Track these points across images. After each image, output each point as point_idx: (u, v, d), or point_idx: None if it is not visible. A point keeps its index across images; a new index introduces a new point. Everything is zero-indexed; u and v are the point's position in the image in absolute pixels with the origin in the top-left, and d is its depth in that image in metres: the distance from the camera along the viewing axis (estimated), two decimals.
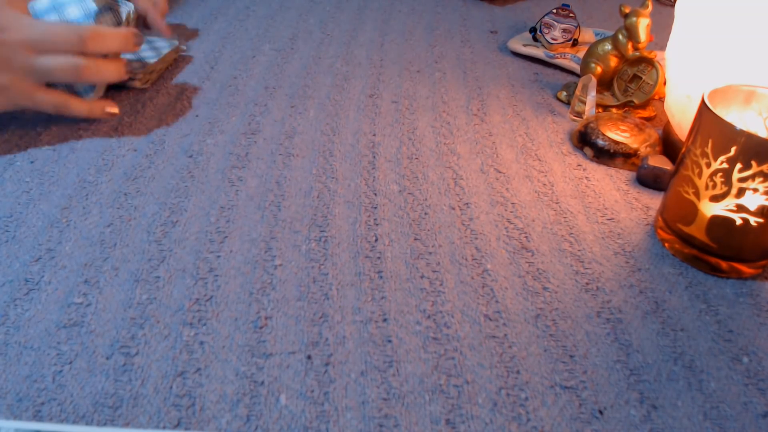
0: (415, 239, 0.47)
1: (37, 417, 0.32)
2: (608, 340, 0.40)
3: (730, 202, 0.42)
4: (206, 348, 0.37)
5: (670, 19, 0.96)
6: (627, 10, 0.64)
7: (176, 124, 0.59)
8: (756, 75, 0.48)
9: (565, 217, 0.50)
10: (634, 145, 0.57)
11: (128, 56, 0.62)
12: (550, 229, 0.49)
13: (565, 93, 0.69)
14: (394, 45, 0.80)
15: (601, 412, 0.35)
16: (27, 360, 0.35)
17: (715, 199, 0.43)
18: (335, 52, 0.76)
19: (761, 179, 0.41)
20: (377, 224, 0.48)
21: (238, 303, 0.40)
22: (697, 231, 0.45)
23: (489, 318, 0.41)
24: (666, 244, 0.48)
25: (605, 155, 0.58)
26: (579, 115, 0.65)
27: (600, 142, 0.58)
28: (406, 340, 0.38)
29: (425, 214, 0.49)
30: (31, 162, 0.52)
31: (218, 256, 0.44)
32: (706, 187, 0.43)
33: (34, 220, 0.45)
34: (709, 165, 0.43)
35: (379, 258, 0.45)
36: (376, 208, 0.50)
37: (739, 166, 0.41)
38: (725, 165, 0.42)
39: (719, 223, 0.44)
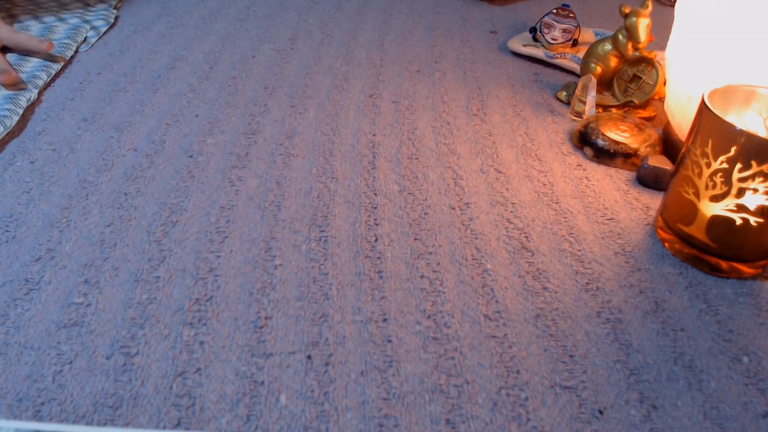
0: (415, 239, 0.47)
1: (37, 417, 0.32)
2: (608, 340, 0.40)
3: (730, 202, 0.42)
4: (206, 348, 0.37)
5: (670, 19, 0.96)
6: (627, 10, 0.64)
7: (176, 124, 0.59)
8: (756, 75, 0.48)
9: (565, 217, 0.50)
10: (634, 145, 0.57)
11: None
12: (550, 229, 0.49)
13: (565, 93, 0.69)
14: (394, 45, 0.80)
15: (601, 412, 0.35)
16: (27, 360, 0.35)
17: (715, 199, 0.43)
18: (335, 52, 0.76)
19: (761, 179, 0.41)
20: (377, 224, 0.48)
21: (238, 303, 0.40)
22: (697, 231, 0.45)
23: (489, 318, 0.41)
24: (666, 244, 0.48)
25: (605, 155, 0.58)
26: (579, 115, 0.65)
27: (600, 142, 0.58)
28: (406, 340, 0.38)
29: (425, 214, 0.49)
30: (31, 162, 0.52)
31: (218, 256, 0.44)
32: (706, 187, 0.43)
33: (34, 220, 0.45)
34: (709, 165, 0.43)
35: (379, 258, 0.45)
36: (376, 208, 0.50)
37: (739, 166, 0.41)
38: (725, 165, 0.42)
39: (719, 223, 0.44)
